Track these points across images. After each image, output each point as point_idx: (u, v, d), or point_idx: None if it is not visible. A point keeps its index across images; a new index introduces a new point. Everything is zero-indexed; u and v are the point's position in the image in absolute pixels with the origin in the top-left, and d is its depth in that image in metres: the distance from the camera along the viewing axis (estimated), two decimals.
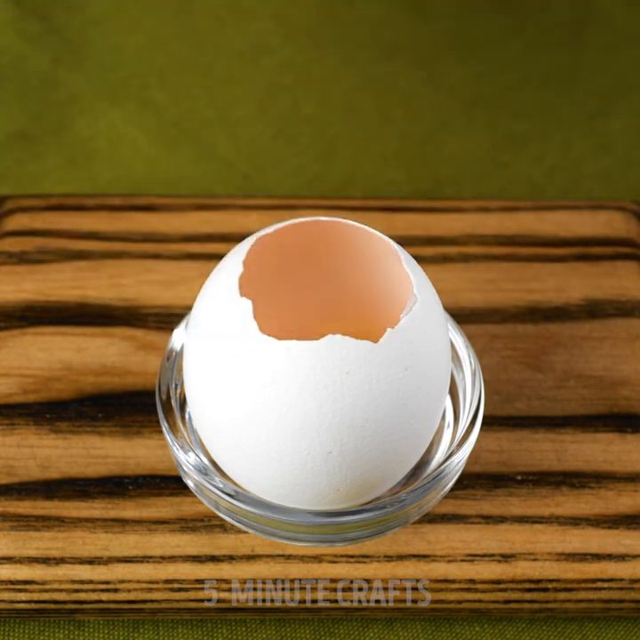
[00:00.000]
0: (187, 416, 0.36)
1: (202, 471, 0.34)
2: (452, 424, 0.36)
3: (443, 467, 0.34)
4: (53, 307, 0.41)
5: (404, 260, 0.33)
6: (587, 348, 0.40)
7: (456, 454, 0.34)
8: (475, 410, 0.35)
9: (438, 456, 0.35)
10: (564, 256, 0.43)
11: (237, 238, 0.35)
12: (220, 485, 0.33)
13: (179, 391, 0.36)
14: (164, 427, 0.34)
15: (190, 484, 0.35)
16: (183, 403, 0.36)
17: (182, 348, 0.35)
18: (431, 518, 0.36)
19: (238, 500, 0.33)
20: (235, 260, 0.32)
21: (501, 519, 0.36)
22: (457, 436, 0.35)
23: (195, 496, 0.36)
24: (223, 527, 0.35)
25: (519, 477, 0.37)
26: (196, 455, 0.34)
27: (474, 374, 0.36)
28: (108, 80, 0.53)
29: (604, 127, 0.52)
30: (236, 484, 0.34)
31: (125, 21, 0.57)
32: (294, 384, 0.30)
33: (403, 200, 0.44)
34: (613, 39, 0.55)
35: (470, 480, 0.37)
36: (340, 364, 0.30)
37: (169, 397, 0.35)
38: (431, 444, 0.35)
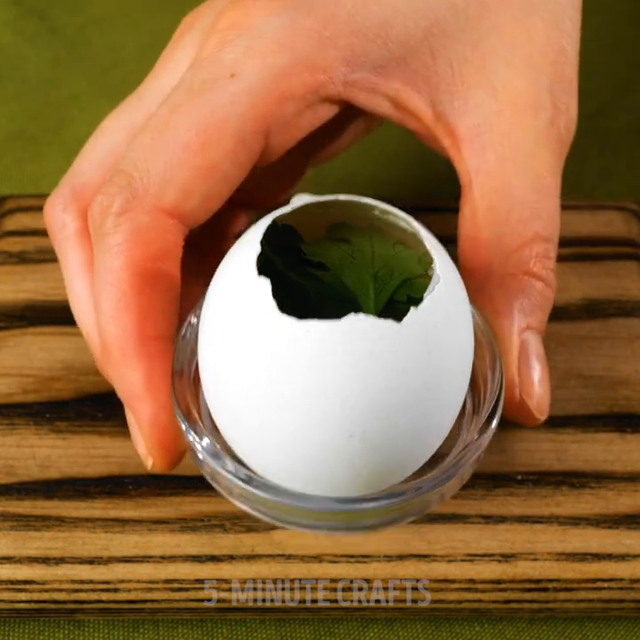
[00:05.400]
0: (200, 402, 0.34)
1: (217, 457, 0.32)
2: (472, 413, 0.35)
3: (463, 452, 0.33)
4: (53, 307, 0.41)
5: (426, 238, 0.32)
6: (587, 348, 0.40)
7: (478, 439, 0.33)
8: (496, 397, 0.33)
9: (457, 445, 0.34)
10: (564, 256, 0.42)
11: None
12: (233, 470, 0.32)
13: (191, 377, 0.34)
14: (178, 413, 0.33)
15: (205, 469, 0.33)
16: (196, 388, 0.34)
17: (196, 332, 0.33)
18: (431, 518, 0.36)
19: (255, 486, 0.31)
20: (251, 240, 0.31)
21: (501, 519, 0.36)
22: (479, 421, 0.33)
23: (195, 495, 0.36)
24: (223, 527, 0.35)
25: (519, 477, 0.37)
26: (211, 442, 0.32)
27: (494, 361, 0.34)
28: (107, 80, 0.53)
29: (604, 127, 0.51)
30: (251, 470, 0.32)
31: (125, 21, 0.57)
32: (314, 365, 0.29)
33: (403, 200, 0.44)
34: (613, 39, 0.55)
35: (470, 480, 0.36)
36: (362, 345, 0.29)
37: (183, 382, 0.33)
38: (450, 434, 0.34)
